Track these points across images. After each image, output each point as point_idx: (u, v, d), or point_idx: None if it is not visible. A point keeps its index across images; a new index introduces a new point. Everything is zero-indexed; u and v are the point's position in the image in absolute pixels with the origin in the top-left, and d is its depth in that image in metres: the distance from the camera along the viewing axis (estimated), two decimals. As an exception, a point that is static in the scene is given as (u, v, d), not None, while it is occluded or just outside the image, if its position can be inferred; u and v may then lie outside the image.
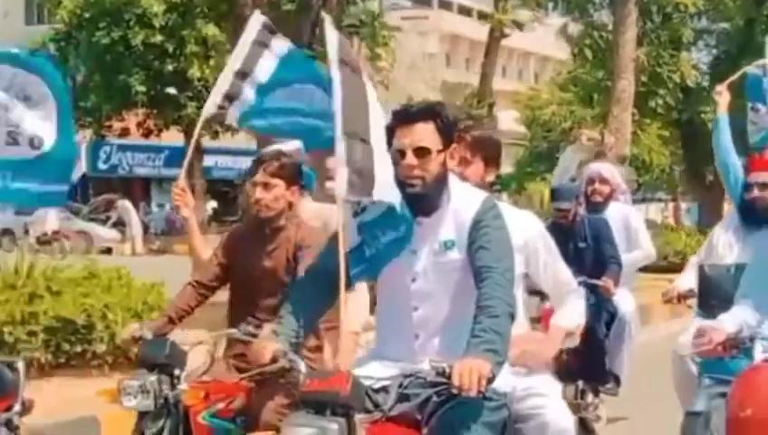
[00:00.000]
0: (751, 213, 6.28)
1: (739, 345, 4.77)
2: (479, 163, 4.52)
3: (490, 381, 3.59)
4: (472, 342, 3.68)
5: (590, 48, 30.26)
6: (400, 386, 3.79)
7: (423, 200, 3.97)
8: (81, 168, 28.97)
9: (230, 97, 5.76)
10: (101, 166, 43.92)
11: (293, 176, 5.33)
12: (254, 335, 4.77)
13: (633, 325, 8.02)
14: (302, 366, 3.90)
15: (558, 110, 32.70)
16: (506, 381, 4.01)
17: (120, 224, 34.33)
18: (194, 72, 31.50)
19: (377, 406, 3.78)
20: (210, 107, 5.77)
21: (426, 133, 3.96)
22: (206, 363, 5.24)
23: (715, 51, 31.87)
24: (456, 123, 4.10)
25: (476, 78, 33.87)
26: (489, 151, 4.56)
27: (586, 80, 31.40)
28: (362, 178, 3.99)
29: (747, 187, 6.33)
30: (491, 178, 4.56)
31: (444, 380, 3.63)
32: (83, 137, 34.90)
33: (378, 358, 4.09)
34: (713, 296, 5.93)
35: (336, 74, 4.17)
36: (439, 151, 3.97)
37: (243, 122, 5.90)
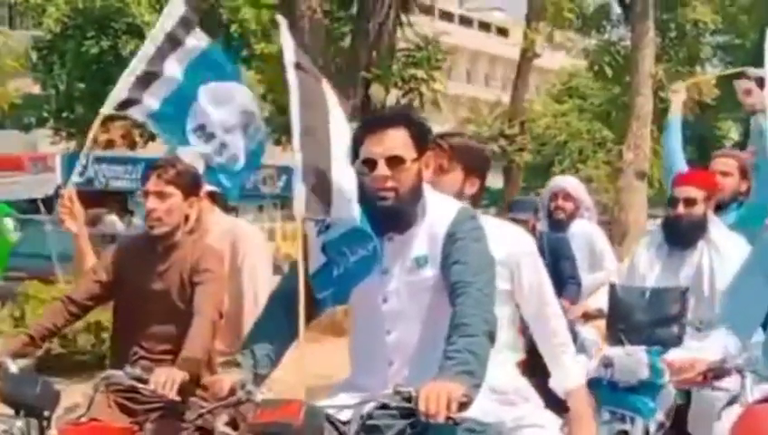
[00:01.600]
0: (674, 231, 5.98)
1: (723, 376, 4.48)
2: (457, 173, 4.29)
3: (464, 406, 3.38)
4: (444, 363, 3.48)
5: (609, 65, 30.56)
6: (363, 416, 3.60)
7: (396, 215, 3.81)
8: (56, 180, 28.83)
9: (130, 102, 5.39)
10: (77, 179, 43.64)
11: (192, 185, 4.92)
12: (143, 381, 4.43)
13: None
14: (258, 397, 3.73)
15: (552, 122, 32.73)
16: (491, 410, 3.85)
17: (110, 239, 34.19)
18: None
19: None
20: (108, 108, 5.41)
21: (398, 141, 3.80)
22: (83, 403, 4.71)
23: (730, 66, 31.98)
24: (430, 129, 3.94)
25: (496, 94, 33.93)
26: (470, 161, 4.33)
27: (603, 96, 31.50)
28: (320, 194, 3.86)
29: (671, 202, 6.02)
30: (472, 190, 4.33)
31: (409, 406, 3.44)
32: (67, 148, 34.81)
33: (349, 388, 3.93)
34: (621, 321, 5.61)
35: (292, 79, 4.03)
36: (413, 160, 3.81)
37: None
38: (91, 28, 33.38)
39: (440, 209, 3.87)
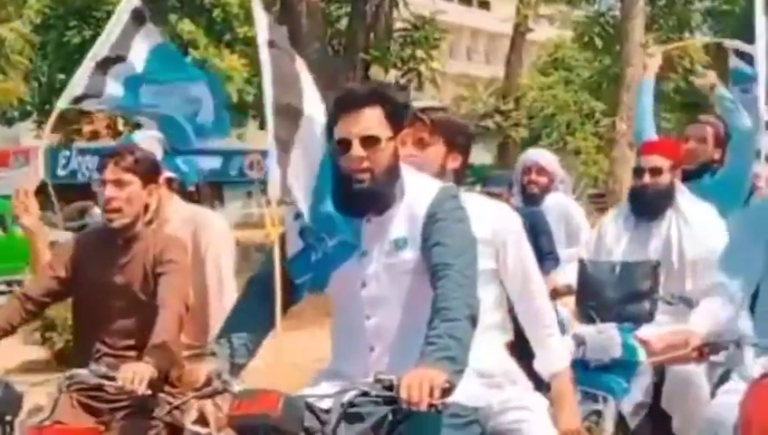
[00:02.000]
0: (641, 202, 5.89)
1: (720, 350, 4.30)
2: (439, 147, 4.22)
3: (446, 392, 3.30)
4: (425, 350, 3.40)
5: (598, 36, 30.48)
6: (344, 404, 3.54)
7: (373, 197, 3.74)
8: (39, 174, 28.87)
9: (91, 93, 5.25)
10: (60, 172, 43.54)
11: (151, 173, 4.78)
12: (110, 378, 4.33)
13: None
14: (236, 387, 3.66)
15: (539, 95, 32.65)
16: (477, 394, 3.80)
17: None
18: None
19: (323, 427, 3.55)
20: (64, 100, 5.26)
21: (373, 120, 3.71)
22: (47, 405, 4.59)
23: (720, 34, 31.92)
24: (407, 106, 3.85)
25: (489, 70, 33.88)
26: (452, 135, 4.26)
27: (594, 68, 31.44)
28: (294, 180, 3.80)
29: (637, 172, 5.94)
30: (455, 165, 4.26)
31: (391, 394, 3.37)
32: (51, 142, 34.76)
33: (330, 377, 3.87)
34: (591, 297, 5.53)
35: (264, 58, 3.95)
36: (389, 139, 3.74)
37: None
38: (73, 18, 33.21)
39: (419, 189, 3.80)
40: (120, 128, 35.13)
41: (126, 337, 4.65)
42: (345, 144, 3.73)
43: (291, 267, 3.85)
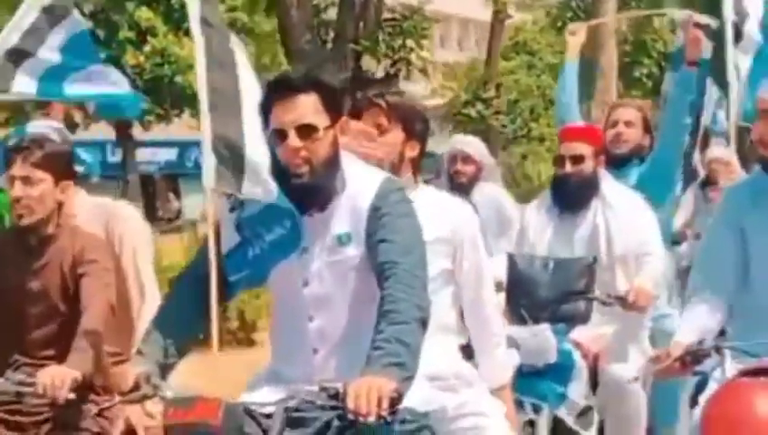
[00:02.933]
0: (563, 191, 5.63)
1: (701, 359, 4.02)
2: (397, 132, 4.10)
3: (395, 401, 3.15)
4: (372, 355, 3.26)
5: (571, 20, 30.65)
6: (287, 410, 3.38)
7: (313, 191, 3.57)
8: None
9: (4, 75, 4.99)
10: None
11: (64, 167, 4.51)
12: (29, 385, 4.12)
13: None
14: (168, 393, 3.48)
15: (504, 81, 32.63)
16: (429, 397, 3.65)
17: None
18: (127, 58, 31.12)
19: (265, 433, 3.39)
20: None
21: (309, 107, 3.54)
22: None
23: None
24: (343, 92, 3.70)
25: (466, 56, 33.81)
26: (410, 121, 4.14)
27: (553, 50, 31.51)
28: (231, 165, 3.63)
29: (558, 160, 5.69)
30: (412, 154, 4.14)
31: (337, 403, 3.22)
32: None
33: (271, 380, 3.71)
34: (523, 296, 5.29)
35: (198, 36, 3.77)
36: (327, 128, 3.57)
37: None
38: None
39: (362, 181, 3.63)
40: (77, 120, 34.78)
41: (45, 347, 4.42)
42: (280, 134, 3.56)
43: (226, 263, 3.67)
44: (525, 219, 5.78)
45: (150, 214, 32.59)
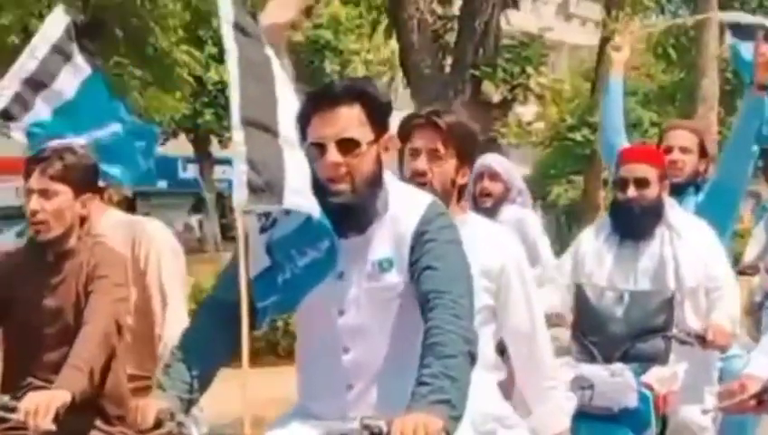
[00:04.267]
0: (626, 217, 5.19)
1: None
2: (452, 160, 3.88)
3: None
4: (417, 391, 3.04)
5: (673, 48, 30.29)
6: None
7: (353, 210, 3.33)
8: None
9: (21, 105, 4.89)
10: None
11: (85, 180, 4.31)
12: (12, 410, 3.85)
13: None
14: (194, 431, 3.27)
15: (583, 102, 32.15)
16: None
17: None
18: (211, 74, 31.16)
19: None
20: None
21: (351, 120, 3.32)
22: None
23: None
24: (390, 105, 3.42)
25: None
26: (466, 145, 3.92)
27: (668, 80, 31.11)
28: (268, 180, 3.36)
29: (620, 184, 5.23)
30: (463, 181, 3.92)
31: None
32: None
33: (301, 418, 3.47)
34: (593, 331, 4.85)
35: (231, 45, 3.53)
36: (370, 143, 3.33)
37: (32, 141, 4.90)
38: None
39: (406, 203, 3.40)
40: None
41: (58, 370, 4.09)
42: (320, 148, 3.33)
43: (254, 289, 3.42)
44: (582, 247, 5.34)
45: (226, 232, 32.75)
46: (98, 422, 4.21)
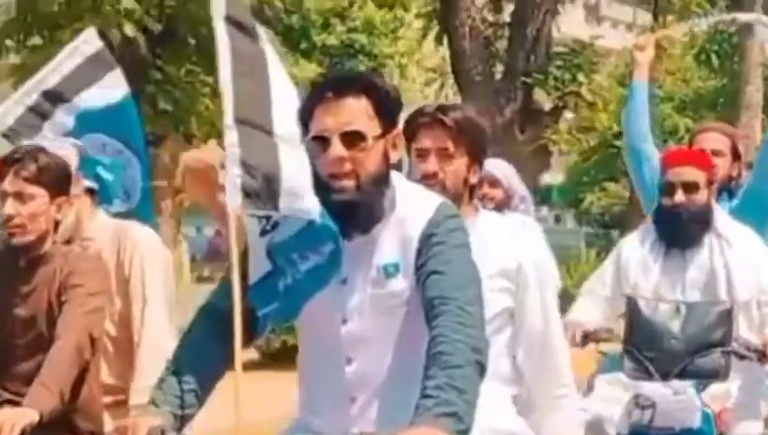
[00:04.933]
0: (673, 225, 4.93)
1: None
2: (463, 159, 3.71)
3: None
4: (422, 404, 2.86)
5: (716, 54, 30.12)
6: None
7: (357, 210, 3.13)
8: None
9: (40, 114, 4.75)
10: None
11: (60, 183, 4.15)
12: None
13: None
14: None
15: (617, 108, 31.83)
16: None
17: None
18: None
19: None
20: (6, 118, 4.75)
21: (358, 112, 3.12)
22: None
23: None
24: (399, 100, 3.23)
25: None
26: (476, 144, 3.74)
27: (710, 87, 30.86)
28: (264, 182, 3.21)
29: (666, 188, 4.97)
30: (474, 179, 3.76)
31: None
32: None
33: (300, 431, 3.29)
34: (649, 346, 4.55)
35: (223, 37, 3.37)
36: (377, 138, 3.14)
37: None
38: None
39: (414, 203, 3.20)
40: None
41: (30, 382, 3.94)
42: (323, 141, 3.13)
43: (253, 295, 3.24)
44: (624, 255, 5.09)
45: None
46: None
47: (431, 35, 20.06)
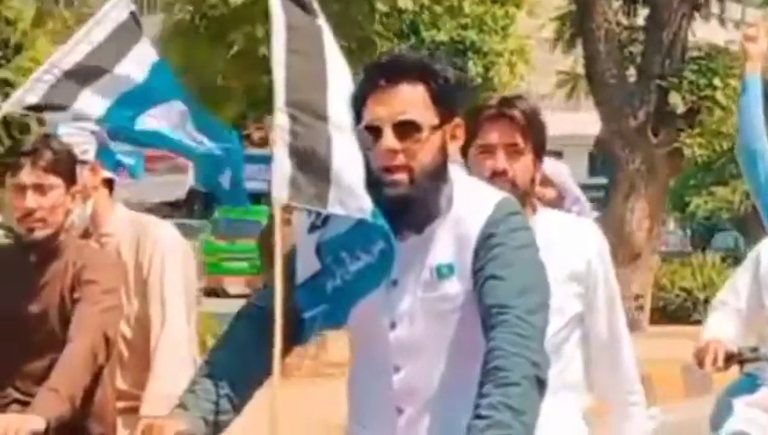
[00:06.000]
0: None
1: None
2: (530, 154, 3.50)
3: None
4: (473, 425, 2.70)
5: None
6: None
7: (411, 205, 2.93)
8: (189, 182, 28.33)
9: (52, 104, 4.49)
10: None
11: (73, 171, 4.00)
12: None
13: None
14: None
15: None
16: None
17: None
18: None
19: None
20: (15, 103, 4.59)
21: (413, 101, 2.93)
22: None
23: None
24: (460, 87, 3.01)
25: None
26: (541, 135, 3.55)
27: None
28: (313, 175, 3.03)
29: None
30: (539, 176, 3.58)
31: None
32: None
33: None
34: None
35: (277, 10, 3.16)
36: (434, 128, 2.94)
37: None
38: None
39: (473, 200, 2.99)
40: (255, 139, 34.78)
41: (41, 381, 3.82)
42: (375, 131, 2.94)
43: (299, 296, 3.05)
44: (764, 263, 4.71)
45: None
46: None
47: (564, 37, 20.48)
